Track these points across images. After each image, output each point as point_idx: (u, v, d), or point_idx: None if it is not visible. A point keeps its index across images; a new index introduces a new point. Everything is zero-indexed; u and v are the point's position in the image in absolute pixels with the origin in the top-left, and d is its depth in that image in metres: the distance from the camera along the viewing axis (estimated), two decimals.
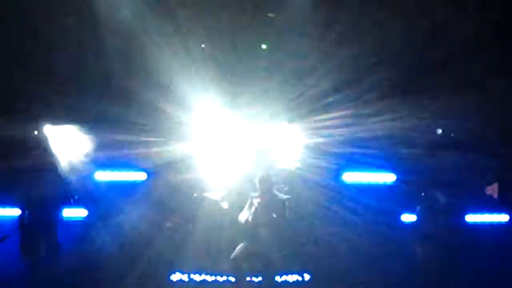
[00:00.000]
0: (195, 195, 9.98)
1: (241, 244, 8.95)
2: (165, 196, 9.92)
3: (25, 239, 9.17)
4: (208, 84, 9.34)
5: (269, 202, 8.90)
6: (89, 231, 9.75)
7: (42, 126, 9.61)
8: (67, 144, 9.63)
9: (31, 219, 9.17)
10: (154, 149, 9.58)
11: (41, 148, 9.42)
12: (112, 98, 9.36)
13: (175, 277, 9.60)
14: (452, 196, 9.39)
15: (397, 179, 9.99)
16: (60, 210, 9.44)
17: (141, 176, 10.07)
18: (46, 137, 9.58)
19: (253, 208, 8.89)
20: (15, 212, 9.50)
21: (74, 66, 9.36)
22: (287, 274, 9.42)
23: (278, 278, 9.30)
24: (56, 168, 9.33)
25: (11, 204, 9.60)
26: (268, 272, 8.99)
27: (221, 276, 9.45)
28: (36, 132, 9.63)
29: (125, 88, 9.23)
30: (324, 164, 9.65)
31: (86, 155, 9.61)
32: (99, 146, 9.61)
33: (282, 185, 9.44)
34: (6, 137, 9.09)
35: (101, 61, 9.29)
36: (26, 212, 9.23)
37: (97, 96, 9.42)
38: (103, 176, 10.02)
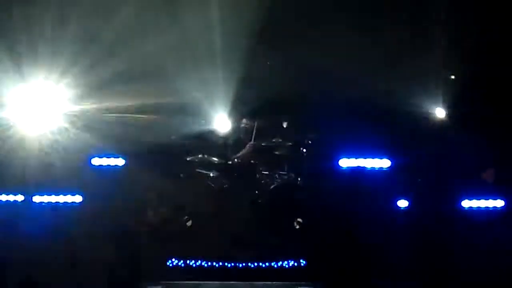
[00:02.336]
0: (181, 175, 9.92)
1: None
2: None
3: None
4: None
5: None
6: (84, 217, 9.74)
7: None
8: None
9: None
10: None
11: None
12: None
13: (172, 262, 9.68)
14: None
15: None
16: None
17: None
18: None
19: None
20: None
21: None
22: (282, 261, 9.51)
23: (273, 264, 9.39)
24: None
25: None
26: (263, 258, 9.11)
27: (217, 262, 9.54)
28: None
29: None
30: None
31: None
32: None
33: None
34: None
35: None
36: None
37: None
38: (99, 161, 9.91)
